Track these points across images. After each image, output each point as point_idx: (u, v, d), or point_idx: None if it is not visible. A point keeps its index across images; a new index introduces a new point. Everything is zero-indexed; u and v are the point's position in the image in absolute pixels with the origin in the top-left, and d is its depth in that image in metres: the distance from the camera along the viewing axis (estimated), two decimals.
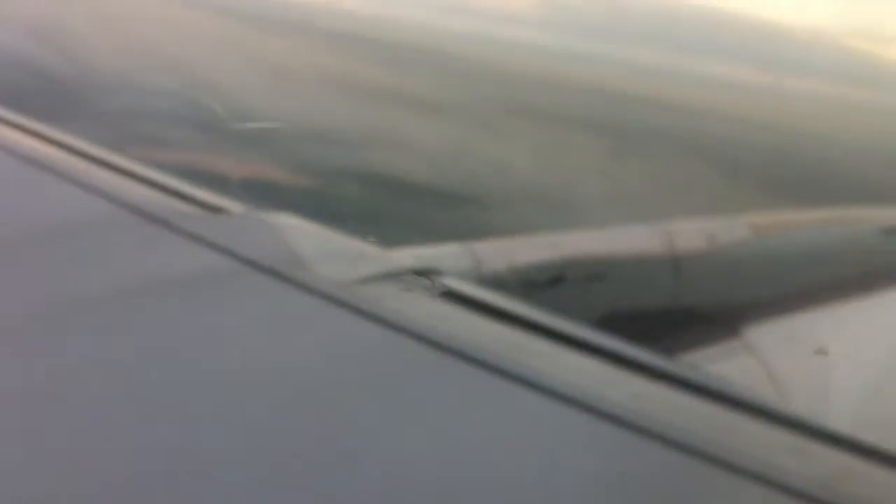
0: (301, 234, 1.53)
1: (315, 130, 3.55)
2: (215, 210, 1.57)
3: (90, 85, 3.72)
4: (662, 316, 2.04)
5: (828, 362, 1.98)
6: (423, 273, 1.44)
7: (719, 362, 1.87)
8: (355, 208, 1.60)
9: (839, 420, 1.19)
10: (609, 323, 1.82)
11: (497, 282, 1.76)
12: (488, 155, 3.60)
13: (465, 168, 3.45)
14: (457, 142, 3.69)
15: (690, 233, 2.26)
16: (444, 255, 1.77)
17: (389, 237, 1.58)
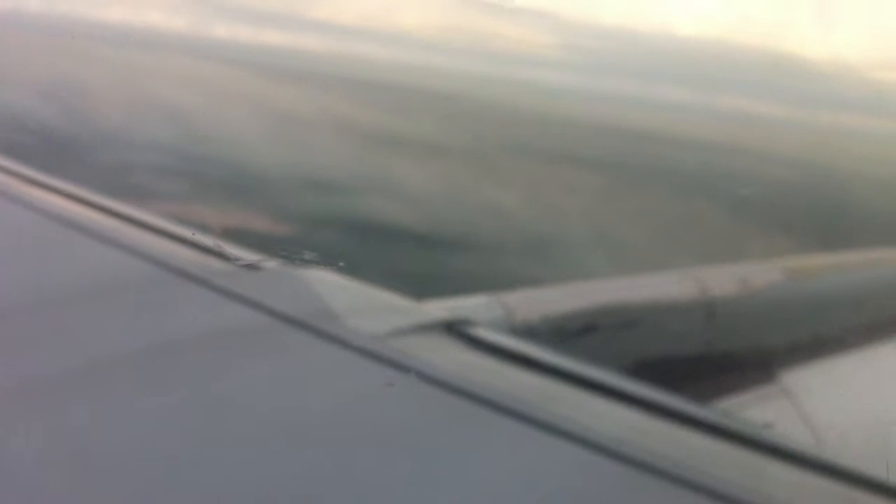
0: (333, 287, 1.55)
1: (309, 178, 3.57)
2: (248, 266, 1.60)
3: (87, 138, 3.77)
4: (696, 362, 2.03)
5: (866, 405, 1.96)
6: (455, 324, 1.45)
7: (755, 408, 1.86)
8: (339, 256, 1.62)
9: (871, 464, 1.18)
10: (643, 370, 1.82)
11: (529, 332, 1.76)
12: (482, 198, 3.59)
13: (455, 213, 3.44)
14: (452, 186, 3.70)
15: (723, 278, 2.25)
16: (476, 306, 1.78)
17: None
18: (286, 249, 1.66)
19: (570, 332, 1.86)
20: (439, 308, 1.57)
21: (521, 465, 1.06)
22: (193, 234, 1.68)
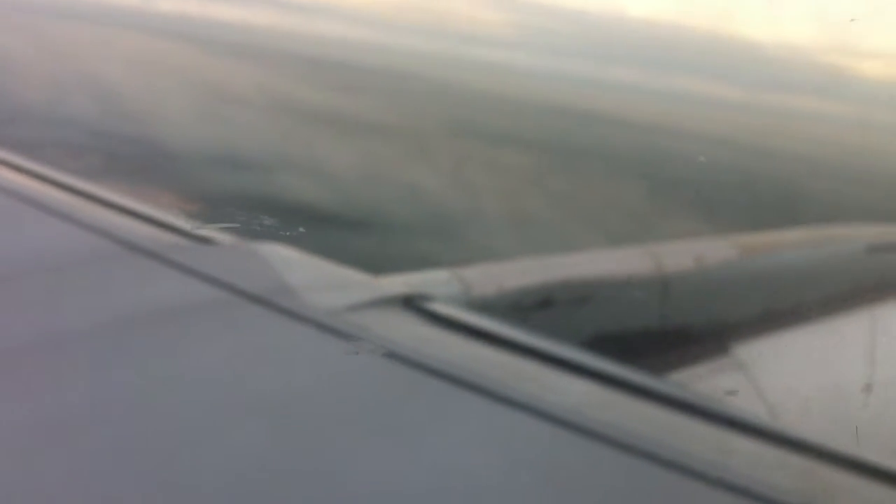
0: (290, 262, 1.54)
1: (236, 155, 3.51)
2: (203, 241, 1.58)
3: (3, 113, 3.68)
4: (652, 336, 2.05)
5: (817, 377, 1.99)
6: (413, 299, 1.45)
7: (708, 380, 1.88)
8: (245, 236, 1.62)
9: (827, 435, 1.20)
10: (598, 344, 1.83)
11: (486, 306, 1.77)
12: (407, 178, 3.56)
13: (376, 193, 3.41)
14: (380, 165, 3.67)
15: (678, 254, 2.28)
16: (433, 280, 1.78)
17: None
18: (240, 224, 1.66)
19: (528, 307, 1.87)
20: (396, 283, 1.57)
21: (478, 438, 1.07)
22: (149, 209, 1.67)
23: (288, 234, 1.69)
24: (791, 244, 2.63)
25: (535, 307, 1.88)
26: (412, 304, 1.44)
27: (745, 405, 1.71)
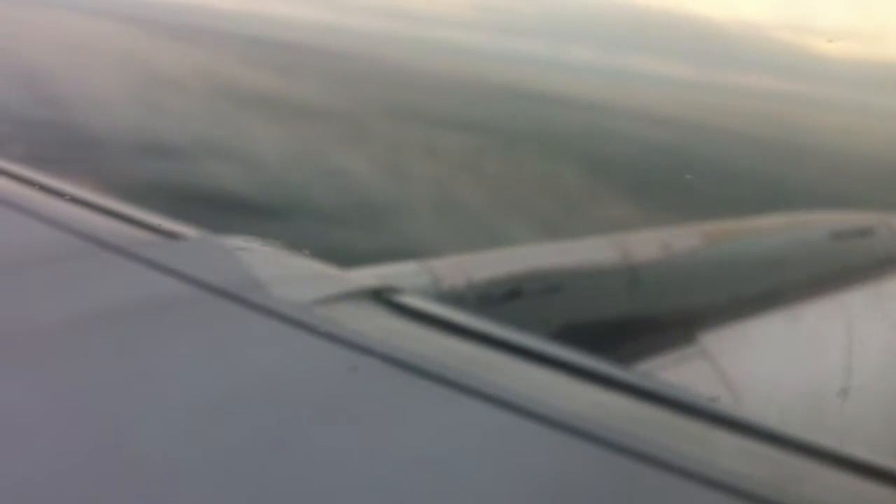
0: (258, 256, 1.54)
1: (151, 142, 3.43)
2: (170, 235, 1.57)
3: None
4: (619, 326, 2.07)
5: (782, 364, 2.02)
6: (382, 292, 1.45)
7: (675, 369, 1.90)
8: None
9: (791, 422, 1.22)
10: (567, 334, 1.85)
11: (455, 298, 1.77)
12: (332, 164, 3.50)
13: (294, 179, 3.34)
14: (306, 150, 3.61)
15: (645, 243, 2.30)
16: (403, 273, 1.79)
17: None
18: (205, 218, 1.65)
19: (497, 298, 1.88)
20: (365, 275, 1.58)
21: (449, 431, 1.07)
22: (115, 204, 1.65)
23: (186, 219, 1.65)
24: (757, 232, 2.66)
25: (504, 298, 1.89)
26: (381, 296, 1.44)
27: (709, 392, 1.73)
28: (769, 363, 1.97)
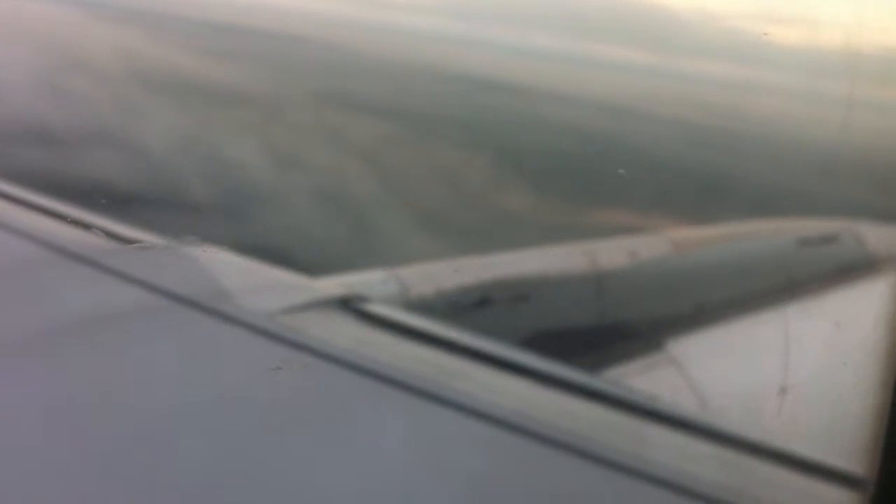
0: (225, 265, 1.53)
1: (35, 129, 3.33)
2: (135, 244, 1.56)
3: None
4: (587, 333, 2.07)
5: (749, 371, 2.03)
6: (350, 300, 1.45)
7: (643, 376, 1.91)
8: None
9: (758, 429, 1.23)
10: (535, 342, 1.85)
11: (424, 306, 1.77)
12: (222, 151, 3.41)
13: (173, 167, 3.23)
14: (202, 137, 3.53)
15: (612, 251, 2.30)
16: (371, 281, 1.78)
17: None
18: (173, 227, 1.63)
19: (465, 306, 1.87)
20: (333, 284, 1.57)
21: (417, 440, 1.07)
22: (74, 213, 1.64)
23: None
24: (724, 239, 2.68)
25: (473, 306, 1.89)
26: (349, 305, 1.44)
27: (676, 399, 1.74)
28: (737, 370, 1.98)
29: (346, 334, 1.34)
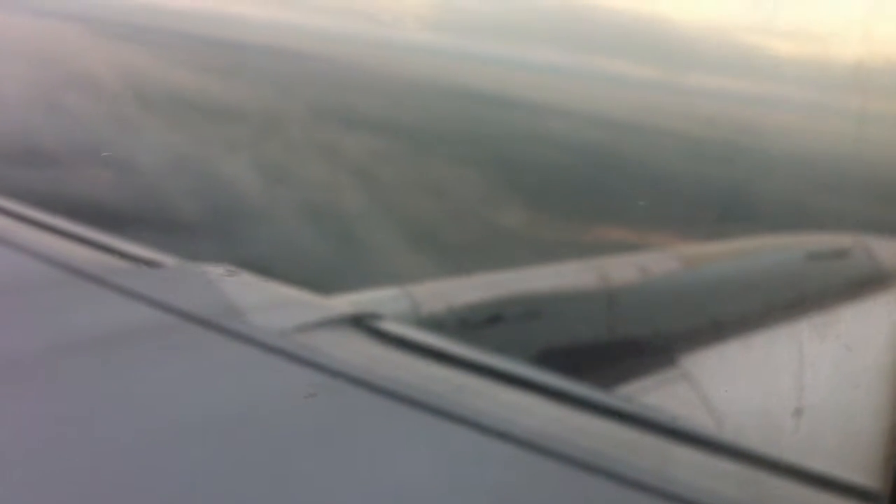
0: (238, 284, 1.53)
1: (26, 147, 3.31)
2: (149, 264, 1.57)
3: None
4: (599, 349, 2.07)
5: (762, 387, 2.02)
6: (363, 318, 1.45)
7: (656, 392, 1.90)
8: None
9: (772, 444, 1.22)
10: (547, 359, 1.85)
11: (435, 323, 1.77)
12: (210, 168, 3.38)
13: (161, 184, 3.20)
14: (191, 154, 3.50)
15: (623, 267, 2.30)
16: (383, 299, 1.78)
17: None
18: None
19: (476, 323, 1.87)
20: (346, 302, 1.57)
21: (431, 457, 1.07)
22: (92, 233, 1.65)
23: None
24: (734, 254, 2.67)
25: (484, 323, 1.89)
26: (362, 323, 1.44)
27: (690, 415, 1.73)
28: (751, 385, 1.97)
29: (358, 352, 1.34)
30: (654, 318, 2.25)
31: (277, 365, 1.25)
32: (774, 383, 2.01)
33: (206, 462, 1.01)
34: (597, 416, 1.20)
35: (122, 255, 1.58)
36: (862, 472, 1.08)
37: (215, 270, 1.58)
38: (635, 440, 1.16)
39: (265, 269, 1.62)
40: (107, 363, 1.22)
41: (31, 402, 1.11)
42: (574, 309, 2.10)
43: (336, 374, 1.21)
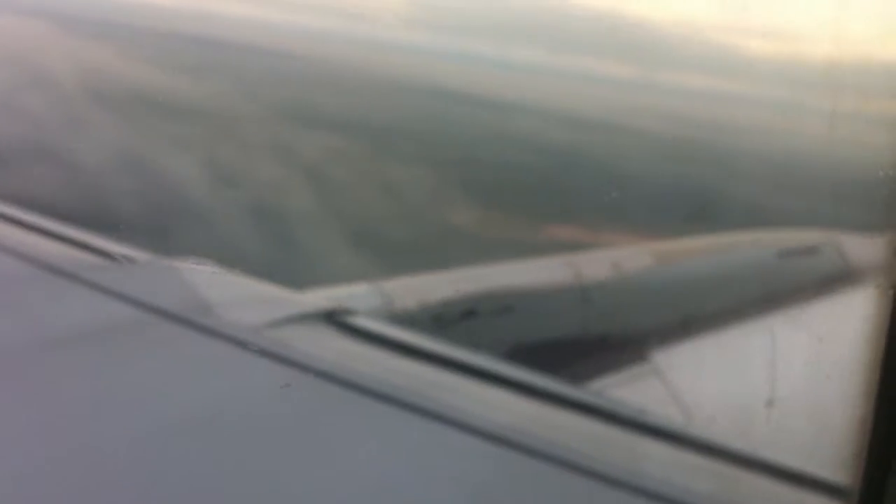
0: (211, 280, 1.53)
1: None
2: (122, 260, 1.56)
3: None
4: (572, 345, 2.08)
5: (734, 382, 2.04)
6: (335, 314, 1.45)
7: (627, 387, 1.91)
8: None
9: (742, 439, 1.23)
10: (519, 354, 1.85)
11: (408, 319, 1.77)
12: (158, 166, 3.36)
13: (107, 183, 3.17)
14: (144, 152, 3.48)
15: (596, 263, 2.31)
16: (355, 294, 1.78)
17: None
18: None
19: (449, 319, 1.88)
20: (318, 297, 1.57)
21: (403, 452, 1.07)
22: (63, 229, 1.63)
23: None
24: (706, 250, 2.69)
25: (457, 319, 1.89)
26: (334, 318, 1.44)
27: (661, 411, 1.74)
28: (721, 381, 1.99)
29: (331, 348, 1.34)
30: (627, 313, 2.26)
31: (250, 360, 1.25)
32: (747, 375, 2.02)
33: (180, 457, 1.01)
34: (569, 411, 1.21)
35: (95, 251, 1.57)
36: (832, 462, 1.09)
37: (188, 266, 1.58)
38: (607, 435, 1.16)
39: (236, 264, 1.62)
40: (80, 359, 1.21)
41: (7, 399, 1.11)
42: (547, 305, 2.11)
43: (309, 369, 1.21)
